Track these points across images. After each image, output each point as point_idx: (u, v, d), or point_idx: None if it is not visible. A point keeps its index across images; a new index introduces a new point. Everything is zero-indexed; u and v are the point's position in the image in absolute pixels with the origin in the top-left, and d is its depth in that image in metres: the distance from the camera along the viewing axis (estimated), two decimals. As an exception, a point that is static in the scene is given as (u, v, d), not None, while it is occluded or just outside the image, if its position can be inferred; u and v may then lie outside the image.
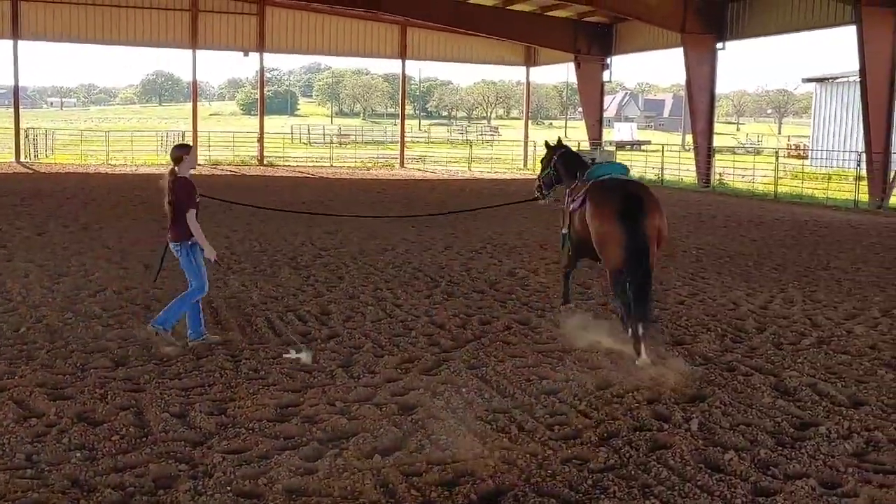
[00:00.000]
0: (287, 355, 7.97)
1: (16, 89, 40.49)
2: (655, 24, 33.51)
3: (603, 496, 5.21)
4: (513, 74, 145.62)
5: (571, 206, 8.99)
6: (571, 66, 42.35)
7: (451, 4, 37.42)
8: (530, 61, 45.53)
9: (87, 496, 5.08)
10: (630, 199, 8.05)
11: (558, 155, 10.10)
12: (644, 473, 5.52)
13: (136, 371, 7.49)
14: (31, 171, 33.61)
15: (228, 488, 5.20)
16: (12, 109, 40.88)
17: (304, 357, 7.88)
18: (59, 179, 29.42)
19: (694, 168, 34.41)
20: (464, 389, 7.11)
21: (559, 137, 11.55)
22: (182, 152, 8.22)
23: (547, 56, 43.90)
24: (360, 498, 5.14)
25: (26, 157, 40.10)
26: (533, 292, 11.36)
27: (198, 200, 8.26)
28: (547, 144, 10.48)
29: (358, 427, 6.21)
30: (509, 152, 49.71)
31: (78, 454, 5.66)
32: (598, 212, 8.26)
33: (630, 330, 7.98)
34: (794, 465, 5.68)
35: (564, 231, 9.30)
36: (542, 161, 10.53)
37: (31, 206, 20.34)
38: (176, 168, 8.19)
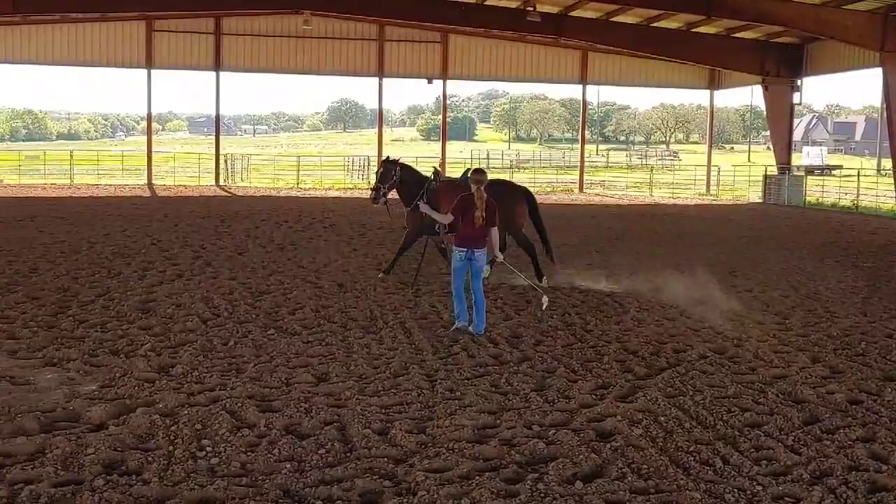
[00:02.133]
0: (543, 301, 10.53)
1: (217, 118, 43.08)
2: (852, 43, 31.85)
3: (820, 538, 4.95)
4: (692, 97, 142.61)
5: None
6: (755, 88, 40.95)
7: (634, 28, 36.91)
8: (714, 84, 44.29)
9: (299, 506, 5.26)
10: (527, 192, 14.13)
11: (402, 167, 13.68)
12: (864, 516, 5.21)
13: (337, 387, 7.73)
14: (229, 195, 35.57)
15: (433, 506, 5.26)
16: (213, 137, 43.47)
17: (545, 300, 10.53)
18: (254, 202, 31.00)
19: (893, 194, 32.40)
20: (662, 418, 6.95)
21: (387, 156, 14.50)
22: (486, 176, 10.02)
23: (732, 79, 42.60)
24: (563, 524, 5.10)
25: (224, 180, 42.56)
26: (727, 320, 10.99)
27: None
28: (386, 159, 13.93)
29: (556, 452, 6.17)
30: (691, 177, 48.51)
31: (288, 465, 5.88)
32: (516, 201, 13.63)
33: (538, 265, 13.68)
34: None
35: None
36: (380, 171, 13.76)
37: (230, 227, 21.51)
38: (481, 188, 9.74)
